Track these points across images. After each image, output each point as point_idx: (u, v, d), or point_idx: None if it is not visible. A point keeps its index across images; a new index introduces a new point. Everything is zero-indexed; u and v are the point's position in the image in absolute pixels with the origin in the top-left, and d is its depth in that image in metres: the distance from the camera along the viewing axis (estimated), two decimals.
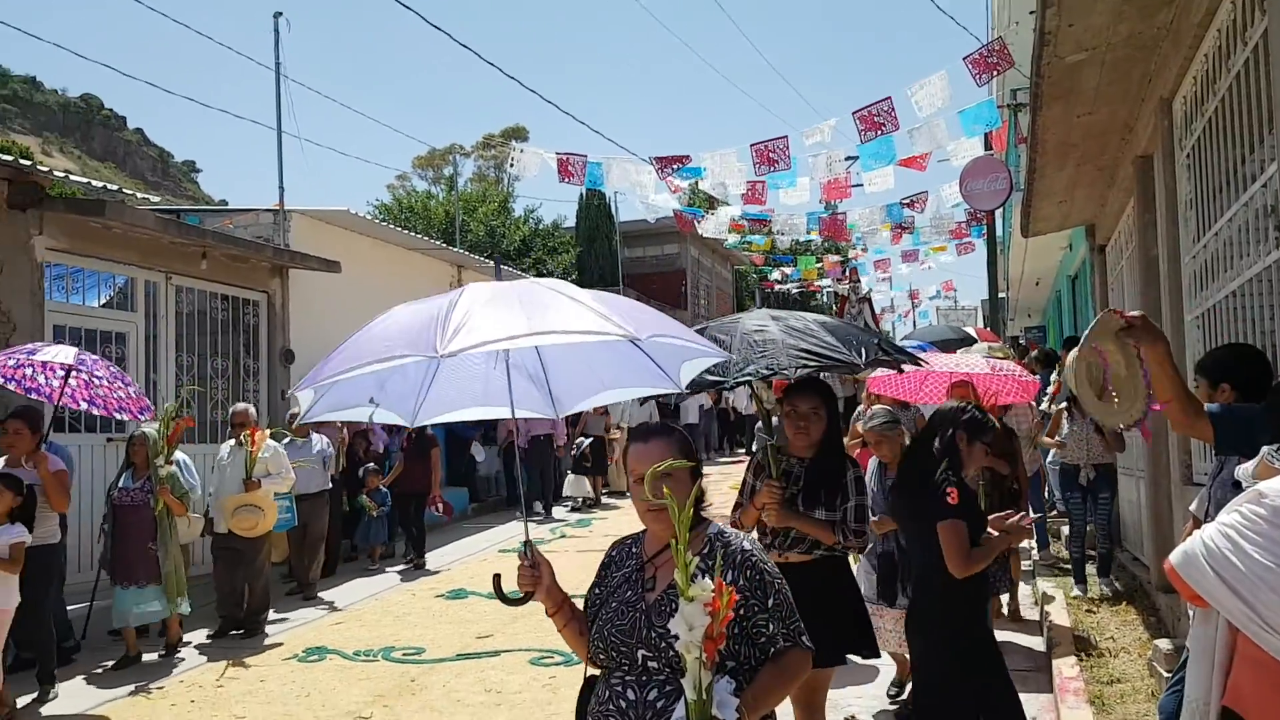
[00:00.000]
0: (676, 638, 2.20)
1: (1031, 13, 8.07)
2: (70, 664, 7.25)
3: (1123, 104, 6.68)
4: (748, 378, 3.98)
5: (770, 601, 2.42)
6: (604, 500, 16.48)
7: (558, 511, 15.29)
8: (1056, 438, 8.41)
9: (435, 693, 6.42)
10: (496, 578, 2.75)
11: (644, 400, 17.80)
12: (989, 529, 3.98)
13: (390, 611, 8.84)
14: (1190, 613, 3.17)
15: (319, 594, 9.66)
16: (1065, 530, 9.13)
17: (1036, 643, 6.87)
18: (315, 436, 9.82)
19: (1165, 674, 5.16)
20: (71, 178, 10.01)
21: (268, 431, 8.74)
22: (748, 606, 2.38)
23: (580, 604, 2.72)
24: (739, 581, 2.42)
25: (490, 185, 41.43)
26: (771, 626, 2.41)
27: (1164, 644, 5.74)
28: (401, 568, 11.12)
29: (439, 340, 2.42)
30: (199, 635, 8.13)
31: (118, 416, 7.63)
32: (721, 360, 3.49)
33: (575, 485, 16.16)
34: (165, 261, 10.15)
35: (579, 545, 11.84)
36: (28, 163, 8.85)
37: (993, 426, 4.50)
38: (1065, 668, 5.81)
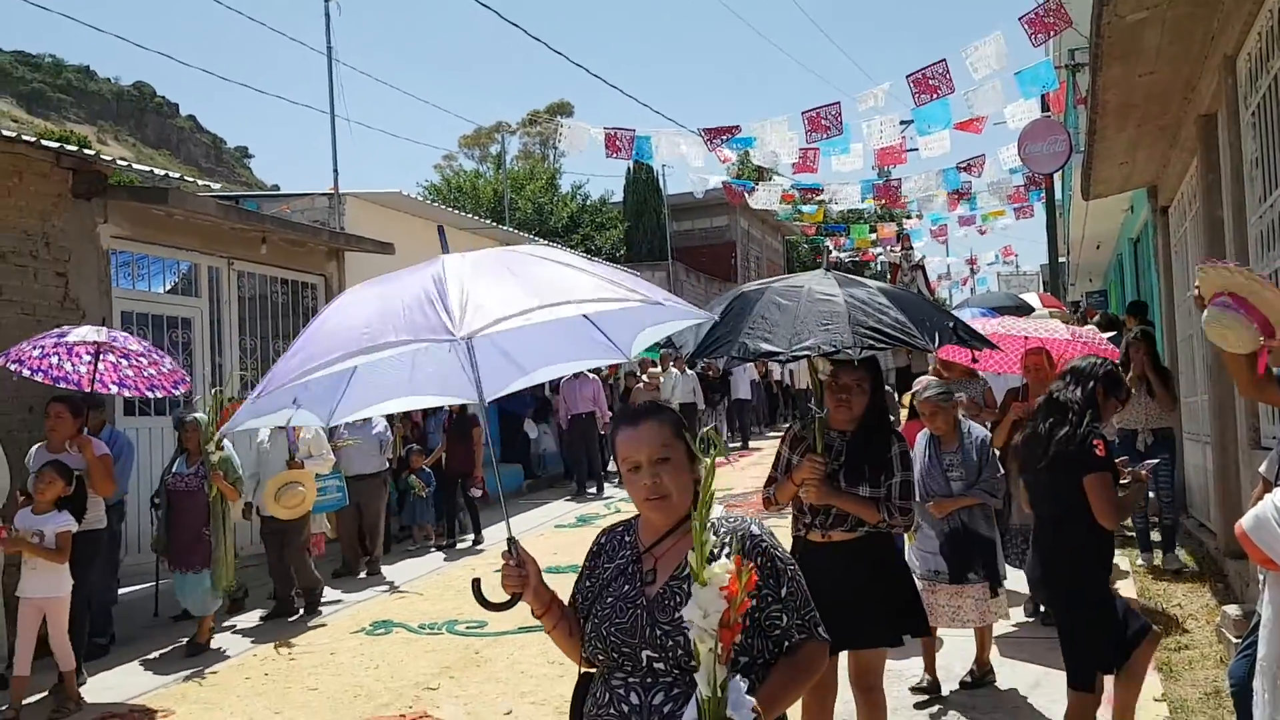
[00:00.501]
0: (687, 629, 2.04)
1: None
2: (102, 657, 7.13)
3: (1184, 62, 6.52)
4: (806, 352, 3.61)
5: (784, 591, 2.24)
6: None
7: (609, 489, 15.19)
8: None
9: (500, 664, 6.54)
10: (476, 583, 2.46)
11: (690, 368, 17.69)
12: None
13: (452, 586, 9.00)
14: (1261, 577, 3.13)
15: (379, 571, 9.88)
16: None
17: None
18: (374, 418, 9.82)
19: (1234, 640, 5.10)
20: (133, 166, 10.22)
21: None
22: (760, 597, 2.19)
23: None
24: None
25: (537, 162, 41.51)
26: (786, 619, 2.23)
27: (1232, 610, 5.66)
28: (445, 546, 11.27)
29: (450, 322, 2.14)
30: (252, 618, 8.30)
31: (150, 394, 7.58)
32: (698, 321, 3.09)
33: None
34: (226, 247, 10.35)
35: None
36: (90, 152, 9.05)
37: (1126, 386, 4.51)
38: None
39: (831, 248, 28.03)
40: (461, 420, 11.34)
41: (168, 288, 9.98)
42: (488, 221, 17.21)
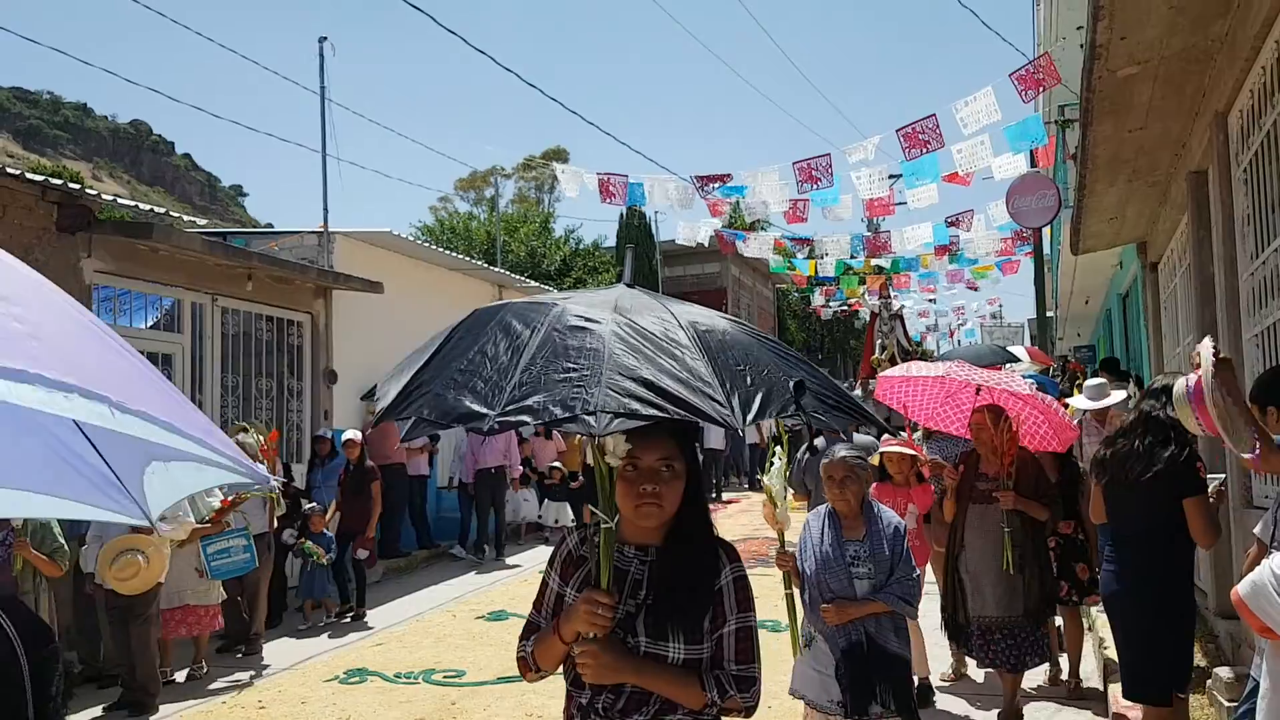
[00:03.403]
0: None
1: (1079, 28, 7.96)
2: None
3: (1176, 118, 6.53)
4: (515, 420, 2.04)
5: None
6: None
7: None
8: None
9: (475, 716, 6.36)
10: None
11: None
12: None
13: (430, 633, 8.81)
14: (1258, 645, 3.04)
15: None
16: None
17: None
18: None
19: (1226, 703, 4.99)
20: (120, 201, 10.15)
21: None
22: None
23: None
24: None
25: (531, 206, 41.70)
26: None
27: (1224, 672, 5.53)
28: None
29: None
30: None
31: None
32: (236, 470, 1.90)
33: (556, 511, 14.55)
34: (211, 283, 10.26)
35: None
36: (77, 186, 8.98)
37: None
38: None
39: (819, 300, 28.16)
40: (360, 473, 9.95)
41: (150, 323, 9.87)
42: (480, 263, 17.17)
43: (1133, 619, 4.53)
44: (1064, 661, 6.38)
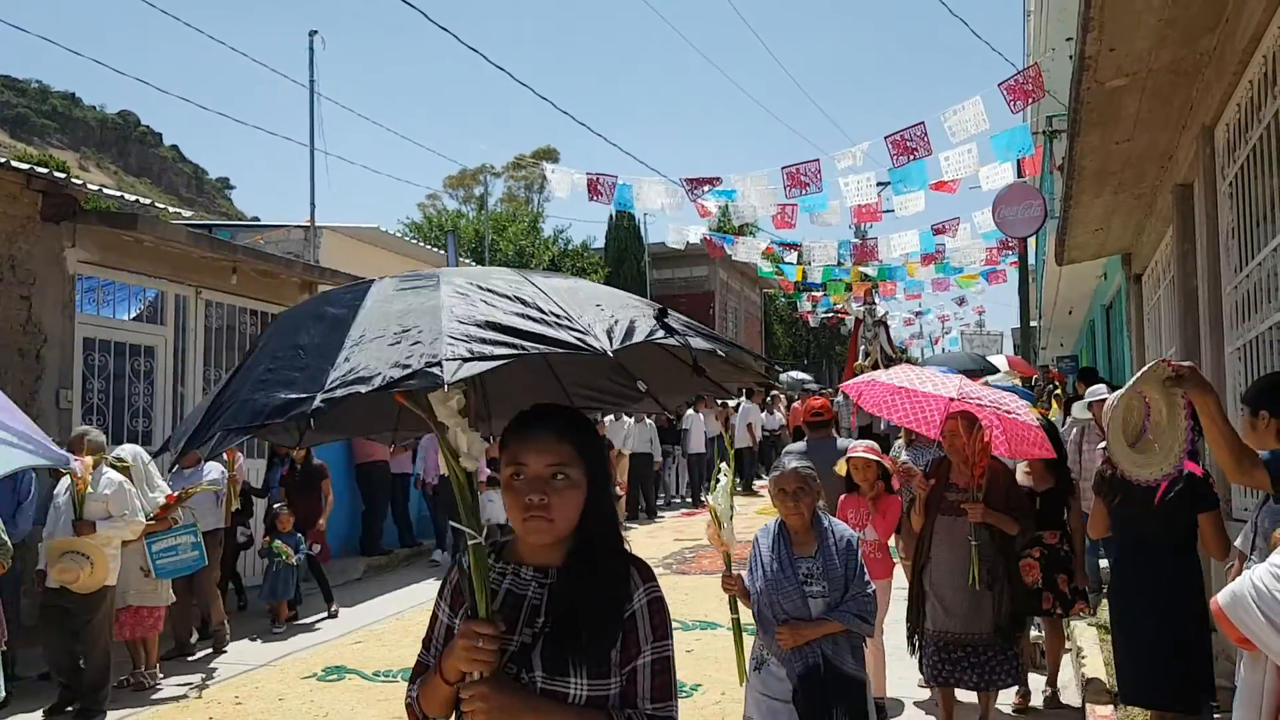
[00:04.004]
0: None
1: (1069, 39, 8.00)
2: None
3: (1163, 131, 6.57)
4: (344, 393, 1.73)
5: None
6: None
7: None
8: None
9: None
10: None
11: (648, 416, 16.60)
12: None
13: (411, 632, 8.78)
14: (1237, 655, 3.05)
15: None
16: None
17: None
18: (209, 465, 7.95)
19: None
20: (106, 192, 10.09)
21: (94, 459, 6.70)
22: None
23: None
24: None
25: (520, 205, 41.67)
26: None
27: None
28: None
29: (594, 338, 1.81)
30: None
31: None
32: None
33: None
34: (196, 276, 10.20)
35: None
36: (62, 176, 8.92)
37: None
38: (1099, 710, 5.65)
39: (807, 305, 28.22)
40: (308, 471, 9.95)
41: (133, 315, 9.81)
42: (468, 261, 17.16)
43: (1152, 629, 4.62)
44: (1035, 678, 6.21)
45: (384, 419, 2.73)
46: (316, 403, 1.69)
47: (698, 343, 2.05)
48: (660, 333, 1.93)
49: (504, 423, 2.65)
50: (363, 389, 1.70)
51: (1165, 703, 4.69)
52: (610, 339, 1.83)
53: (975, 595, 5.15)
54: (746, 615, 4.09)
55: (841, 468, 5.94)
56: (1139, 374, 3.42)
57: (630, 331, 1.87)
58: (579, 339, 1.79)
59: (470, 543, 1.99)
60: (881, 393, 6.02)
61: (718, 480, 3.95)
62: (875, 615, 4.08)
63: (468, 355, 1.70)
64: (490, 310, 1.84)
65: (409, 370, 1.69)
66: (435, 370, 1.67)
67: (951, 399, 5.45)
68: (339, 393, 1.70)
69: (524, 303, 1.87)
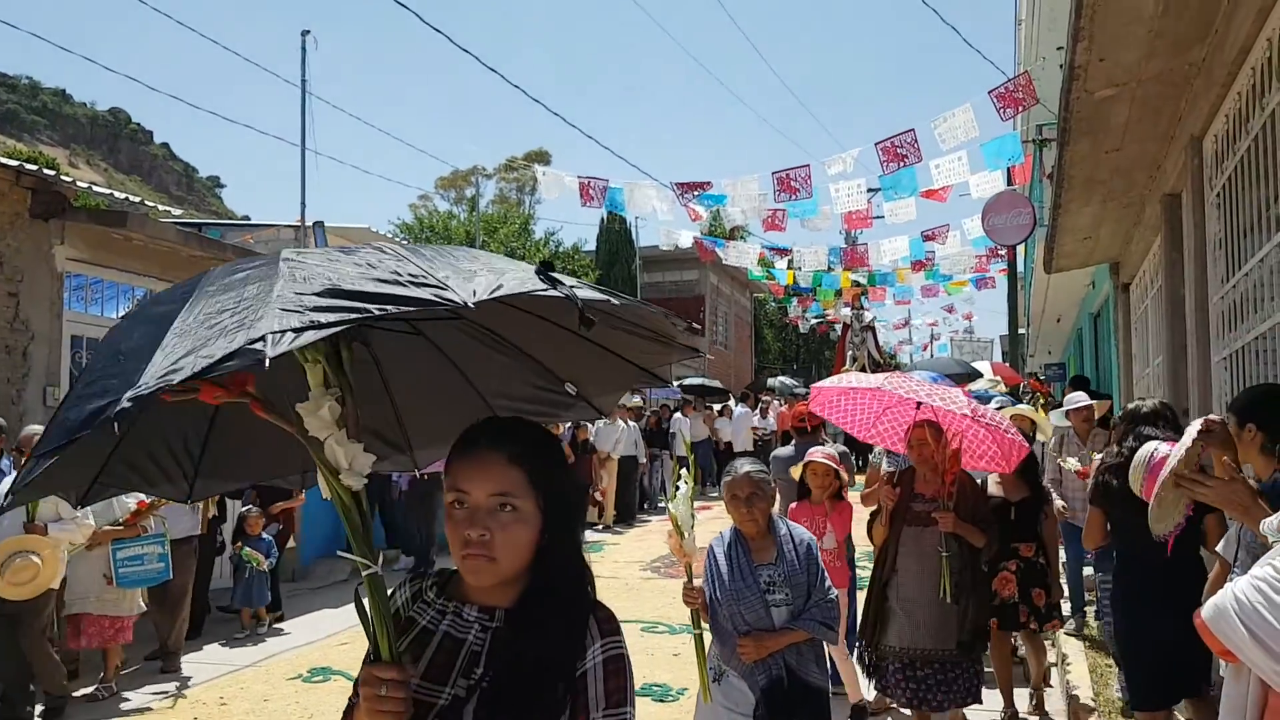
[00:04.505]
0: None
1: (1060, 48, 8.04)
2: None
3: (1151, 141, 6.61)
4: (153, 388, 1.47)
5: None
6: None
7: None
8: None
9: None
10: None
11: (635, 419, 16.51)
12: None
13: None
14: (1221, 667, 3.07)
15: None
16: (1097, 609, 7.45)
17: None
18: None
19: None
20: (95, 189, 10.06)
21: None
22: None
23: None
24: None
25: (511, 207, 41.68)
26: None
27: None
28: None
29: (453, 292, 1.57)
30: None
31: None
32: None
33: None
34: (185, 274, 10.16)
35: None
36: (52, 173, 8.89)
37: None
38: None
39: (796, 310, 28.28)
40: None
41: (122, 313, 9.78)
42: None
43: (1170, 634, 4.63)
44: (1020, 693, 5.97)
45: (292, 459, 2.33)
46: (122, 403, 1.44)
47: (586, 294, 1.71)
48: (540, 286, 1.65)
49: (429, 453, 2.47)
50: (175, 379, 1.45)
51: (1176, 703, 4.73)
52: (474, 293, 1.57)
53: (944, 609, 4.88)
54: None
55: (796, 473, 5.81)
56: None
57: (498, 288, 1.60)
58: (435, 294, 1.55)
59: (365, 573, 1.75)
60: (847, 406, 5.78)
61: (678, 487, 3.78)
62: (839, 621, 3.96)
63: (300, 326, 1.44)
64: (332, 278, 1.57)
65: (230, 352, 1.42)
66: (257, 346, 1.40)
67: (919, 404, 5.20)
68: (148, 389, 1.45)
69: (373, 265, 1.63)
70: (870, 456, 6.64)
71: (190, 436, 2.29)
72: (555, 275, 1.69)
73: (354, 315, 1.49)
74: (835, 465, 5.64)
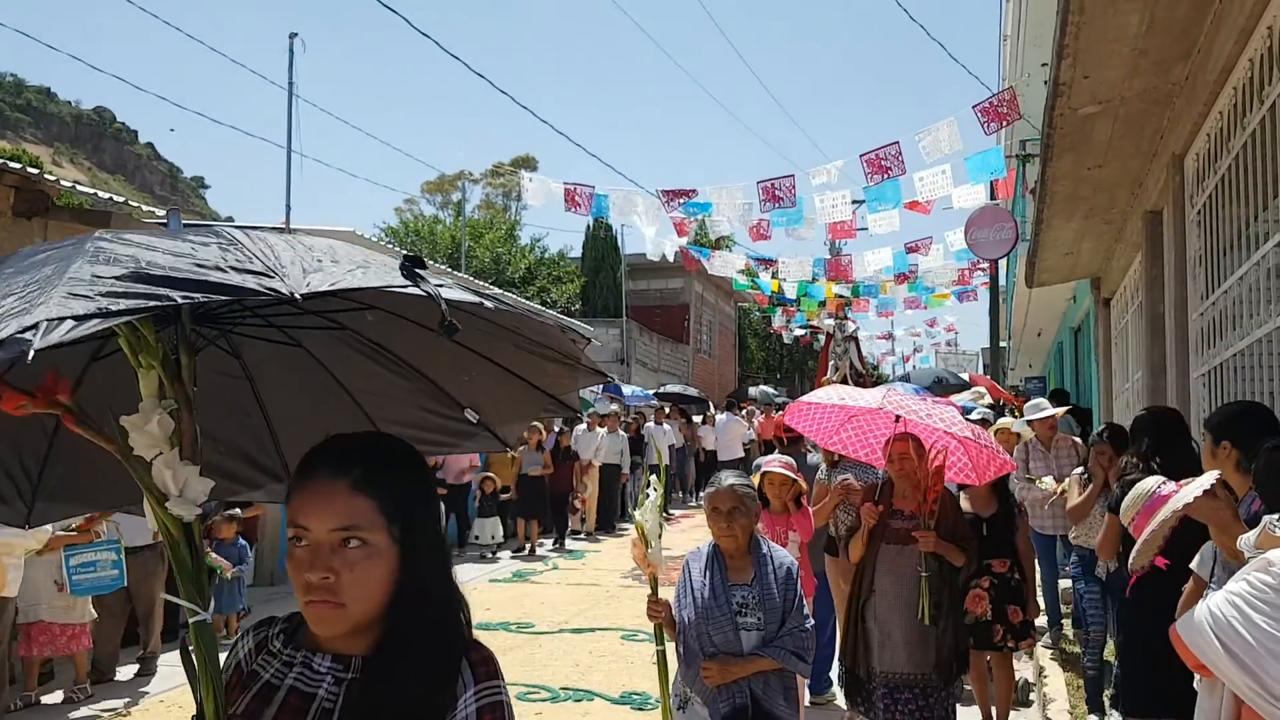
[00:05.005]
0: None
1: (1044, 65, 8.10)
2: None
3: (1134, 158, 6.67)
4: None
5: None
6: (541, 548, 14.25)
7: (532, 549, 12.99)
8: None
9: None
10: None
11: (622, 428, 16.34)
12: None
13: None
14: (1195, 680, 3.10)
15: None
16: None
17: None
18: None
19: None
20: (79, 188, 10.00)
21: None
22: None
23: None
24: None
25: (498, 213, 41.67)
26: None
27: None
28: None
29: (281, 281, 1.37)
30: None
31: None
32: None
33: (483, 529, 13.65)
34: None
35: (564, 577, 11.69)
36: (35, 171, 8.84)
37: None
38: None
39: (780, 320, 28.37)
40: None
41: None
42: (444, 267, 17.13)
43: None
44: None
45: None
46: None
47: (455, 295, 1.47)
48: (399, 282, 1.42)
49: None
50: None
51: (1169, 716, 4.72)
52: (308, 284, 1.35)
53: (922, 631, 4.66)
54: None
55: (755, 480, 5.53)
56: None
57: (341, 281, 1.39)
58: (260, 282, 1.33)
59: (193, 620, 1.51)
60: (823, 420, 5.56)
61: (646, 495, 3.66)
62: (812, 653, 3.71)
63: (84, 313, 1.22)
64: (142, 261, 1.36)
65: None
66: (27, 336, 1.17)
67: (898, 418, 4.91)
68: None
69: (195, 249, 1.41)
70: (818, 475, 6.23)
71: (26, 452, 2.04)
72: (419, 272, 1.46)
73: (153, 303, 1.28)
74: (792, 474, 5.44)
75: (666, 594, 3.79)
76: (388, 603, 1.48)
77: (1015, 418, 9.22)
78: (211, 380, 1.91)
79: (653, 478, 3.67)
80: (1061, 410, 8.07)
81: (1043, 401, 8.10)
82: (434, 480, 1.50)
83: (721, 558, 3.74)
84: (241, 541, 8.84)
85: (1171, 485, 3.74)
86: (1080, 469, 6.36)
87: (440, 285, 1.45)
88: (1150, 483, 3.84)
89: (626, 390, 22.78)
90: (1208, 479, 3.29)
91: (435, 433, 2.24)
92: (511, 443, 2.40)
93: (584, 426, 16.51)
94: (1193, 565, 3.74)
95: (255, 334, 2.02)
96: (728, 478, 3.88)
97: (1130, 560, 3.44)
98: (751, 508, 3.77)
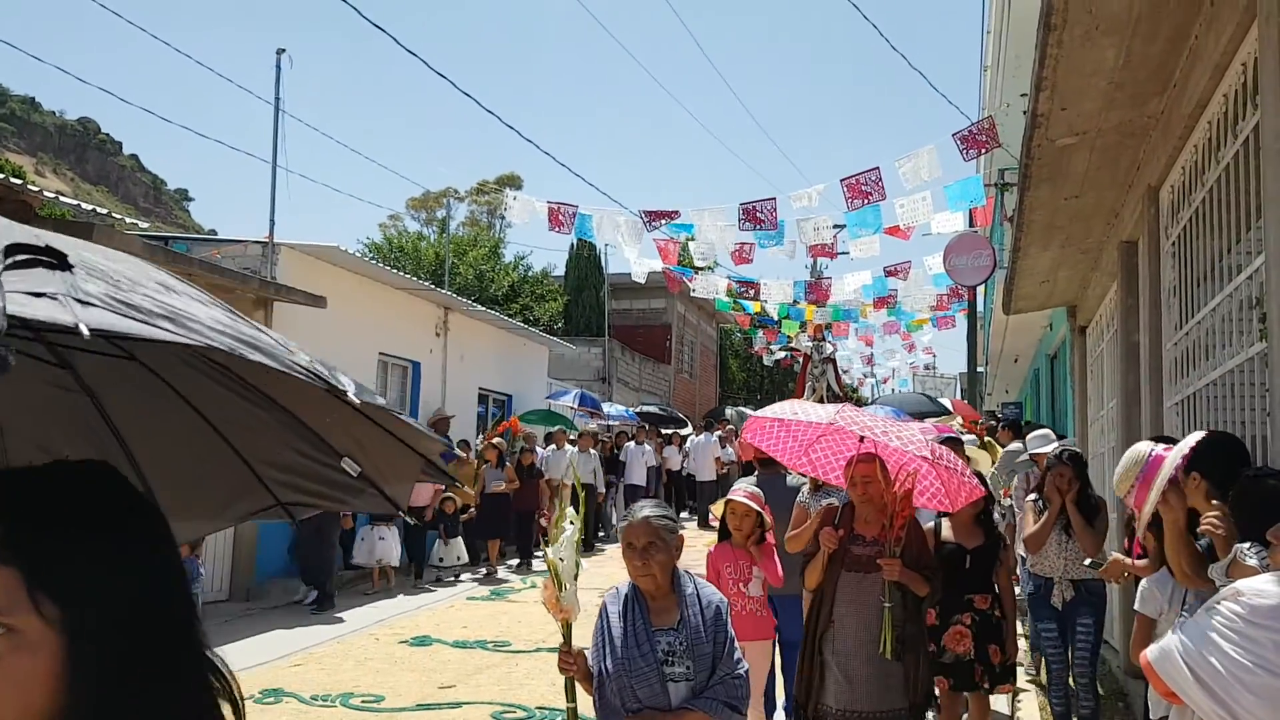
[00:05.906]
0: None
1: (1024, 95, 8.22)
2: None
3: (1110, 189, 6.76)
4: None
5: None
6: (503, 569, 14.12)
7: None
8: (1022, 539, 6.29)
9: None
10: None
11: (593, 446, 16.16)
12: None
13: (351, 655, 8.67)
14: (1158, 708, 3.14)
15: None
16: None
17: None
18: None
19: None
20: (62, 199, 9.98)
21: None
22: None
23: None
24: None
25: (482, 230, 41.64)
26: None
27: None
28: None
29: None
30: None
31: None
32: None
33: (445, 551, 13.26)
34: None
35: None
36: (18, 181, 8.81)
37: None
38: None
39: (761, 341, 28.44)
40: None
41: None
42: (427, 284, 17.10)
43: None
44: None
45: None
46: None
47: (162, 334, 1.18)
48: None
49: (186, 526, 1.95)
50: None
51: None
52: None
53: (884, 666, 4.35)
54: (587, 702, 3.35)
55: (719, 509, 5.39)
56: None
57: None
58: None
59: None
60: (788, 439, 5.24)
61: (561, 530, 3.25)
62: (748, 701, 3.31)
63: None
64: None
65: None
66: None
67: (862, 439, 4.62)
68: None
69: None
70: (799, 497, 5.93)
71: None
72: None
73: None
74: (757, 506, 5.21)
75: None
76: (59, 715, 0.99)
77: (979, 447, 9.30)
78: (43, 392, 1.67)
79: (570, 509, 3.27)
80: (1068, 441, 8.09)
81: (1049, 433, 8.13)
82: (154, 536, 1.13)
83: (643, 599, 3.33)
84: (195, 559, 8.65)
85: (1160, 448, 3.77)
86: (1034, 495, 6.19)
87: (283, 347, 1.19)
88: (1141, 448, 3.86)
89: (609, 409, 22.79)
90: (1193, 438, 3.37)
91: (316, 482, 1.94)
92: (402, 505, 2.08)
93: (553, 446, 16.50)
94: (1136, 607, 3.80)
95: (76, 343, 1.65)
96: (643, 509, 3.47)
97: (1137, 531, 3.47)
98: (671, 542, 3.35)
